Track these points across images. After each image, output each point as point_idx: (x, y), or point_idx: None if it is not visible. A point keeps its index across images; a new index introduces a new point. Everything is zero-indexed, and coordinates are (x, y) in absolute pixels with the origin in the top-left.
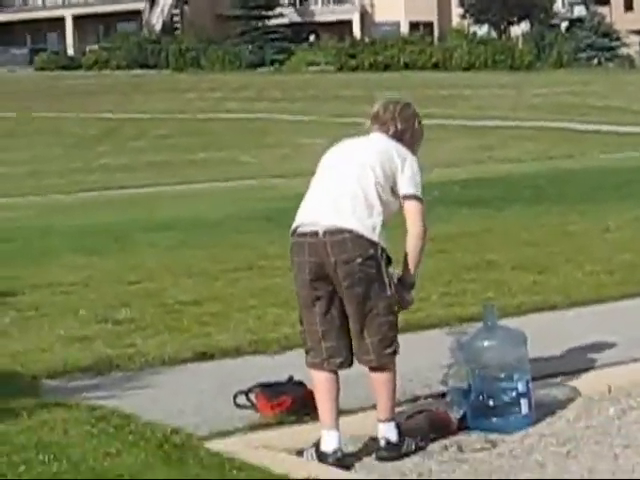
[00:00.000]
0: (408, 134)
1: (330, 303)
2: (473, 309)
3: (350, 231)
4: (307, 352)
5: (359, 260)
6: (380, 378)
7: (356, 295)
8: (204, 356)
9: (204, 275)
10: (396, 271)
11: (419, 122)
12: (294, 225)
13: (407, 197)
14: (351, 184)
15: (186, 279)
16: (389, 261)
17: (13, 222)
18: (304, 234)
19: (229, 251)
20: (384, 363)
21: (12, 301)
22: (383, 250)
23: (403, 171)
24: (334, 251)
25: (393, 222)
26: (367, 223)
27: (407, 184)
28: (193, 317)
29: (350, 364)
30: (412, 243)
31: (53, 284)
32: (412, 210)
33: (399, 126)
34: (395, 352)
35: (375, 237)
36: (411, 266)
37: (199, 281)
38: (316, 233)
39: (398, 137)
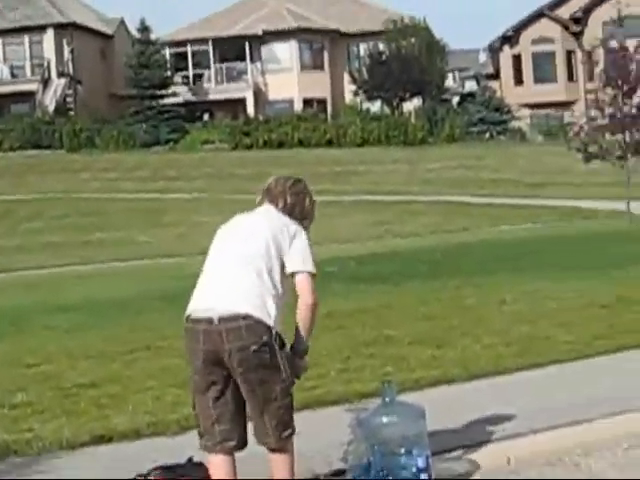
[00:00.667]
0: (297, 209)
1: (225, 388)
2: (372, 385)
3: (245, 317)
4: (201, 436)
5: (254, 347)
6: (279, 459)
7: (251, 381)
8: (102, 439)
9: (102, 357)
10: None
11: (310, 198)
12: (188, 310)
13: (297, 272)
14: (244, 267)
15: (83, 361)
16: (282, 345)
17: None
18: (198, 320)
19: (127, 332)
20: (282, 445)
21: None
22: (278, 335)
23: (291, 246)
24: (229, 338)
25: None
26: (262, 308)
27: (296, 260)
28: (91, 400)
29: (244, 446)
30: (303, 313)
31: None
32: (301, 283)
33: (289, 200)
34: (292, 434)
35: (271, 322)
36: (303, 334)
37: (97, 363)
38: (210, 320)
39: (288, 211)
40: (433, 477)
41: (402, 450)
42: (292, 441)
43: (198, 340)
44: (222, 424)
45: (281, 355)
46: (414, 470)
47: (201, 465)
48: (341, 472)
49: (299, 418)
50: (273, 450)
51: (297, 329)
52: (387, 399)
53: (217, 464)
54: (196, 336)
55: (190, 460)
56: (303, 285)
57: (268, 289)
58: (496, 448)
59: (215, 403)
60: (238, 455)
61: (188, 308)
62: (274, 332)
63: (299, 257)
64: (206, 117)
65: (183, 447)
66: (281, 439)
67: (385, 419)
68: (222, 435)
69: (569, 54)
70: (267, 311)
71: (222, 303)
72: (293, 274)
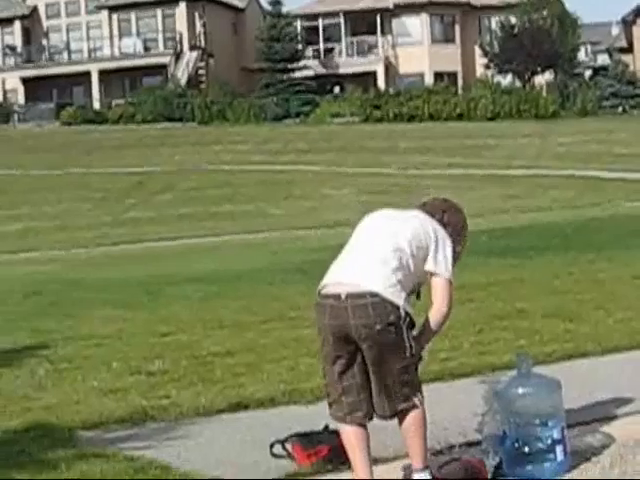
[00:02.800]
0: (451, 228)
1: (351, 361)
2: (505, 357)
3: (373, 294)
4: (330, 405)
5: (378, 327)
6: (409, 426)
7: (374, 357)
8: (238, 407)
9: (236, 326)
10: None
11: (465, 229)
12: (320, 284)
13: (437, 275)
14: (382, 250)
15: (218, 330)
16: (412, 325)
17: (44, 275)
18: (327, 296)
19: (260, 302)
20: (401, 415)
21: (46, 354)
22: (407, 314)
23: (437, 249)
24: (354, 315)
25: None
26: (392, 287)
27: (438, 261)
28: (226, 368)
29: (372, 417)
30: (434, 318)
31: (86, 337)
32: (438, 288)
33: (445, 218)
34: (414, 406)
35: (400, 301)
36: (428, 336)
37: (231, 332)
38: (338, 296)
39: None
40: (568, 449)
41: (537, 421)
42: (421, 411)
43: (325, 315)
44: (350, 396)
45: (408, 335)
46: (549, 442)
47: (336, 433)
48: (476, 443)
49: (432, 389)
50: (403, 417)
51: (423, 327)
52: (523, 370)
53: (349, 433)
54: (323, 310)
55: (326, 428)
56: (440, 290)
57: (402, 271)
58: (631, 422)
59: (342, 376)
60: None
61: (321, 282)
62: (402, 312)
63: (442, 260)
64: (337, 90)
65: (318, 415)
66: (396, 412)
67: (521, 390)
68: (350, 406)
69: None
70: (397, 291)
71: (352, 280)
72: (432, 275)
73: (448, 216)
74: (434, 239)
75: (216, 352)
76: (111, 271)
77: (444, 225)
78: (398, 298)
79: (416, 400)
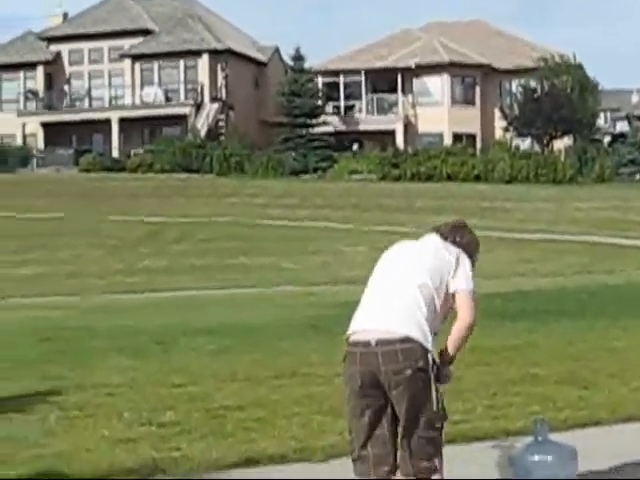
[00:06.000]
0: (465, 245)
1: (381, 412)
2: (519, 423)
3: (402, 340)
4: (354, 462)
5: (409, 372)
6: None
7: (401, 405)
8: (249, 462)
9: (248, 380)
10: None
11: (475, 239)
12: (349, 331)
13: (458, 291)
14: (406, 292)
15: (230, 384)
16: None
17: (55, 322)
18: (356, 343)
19: (272, 357)
20: (421, 477)
21: (57, 400)
22: (434, 361)
23: (457, 269)
24: (384, 361)
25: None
26: (420, 331)
27: (459, 281)
28: (237, 422)
29: (395, 473)
30: (459, 329)
31: (97, 385)
32: (462, 300)
33: (457, 239)
34: (435, 468)
35: (428, 345)
36: (451, 349)
37: (243, 386)
38: (368, 343)
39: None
40: None
41: None
42: (438, 476)
43: (355, 362)
44: (376, 448)
45: (436, 387)
46: None
47: None
48: None
49: (446, 451)
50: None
51: (448, 341)
52: (539, 438)
53: None
54: (354, 358)
55: None
56: (464, 303)
57: (428, 315)
58: None
59: (370, 426)
60: None
61: (349, 328)
62: (430, 357)
63: (462, 278)
64: (355, 147)
65: (329, 474)
66: (420, 470)
67: (537, 457)
68: (375, 459)
69: None
70: (426, 334)
71: (380, 326)
72: (454, 294)
73: (460, 236)
74: (451, 261)
75: (228, 405)
76: (123, 319)
77: (458, 245)
78: (426, 342)
79: (437, 462)
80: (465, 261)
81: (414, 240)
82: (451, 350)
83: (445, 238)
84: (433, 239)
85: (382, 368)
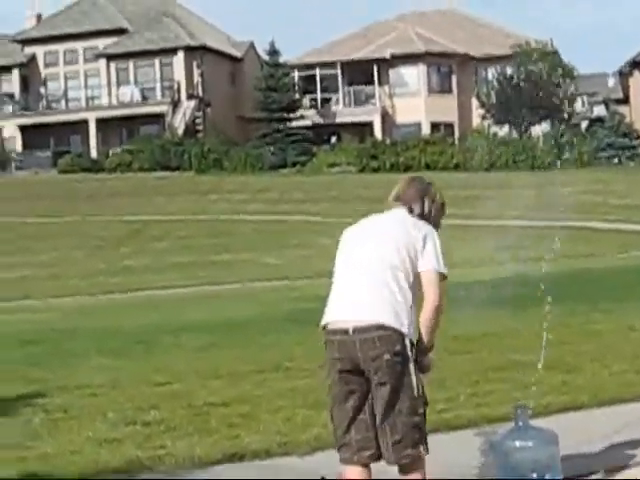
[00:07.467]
0: (432, 216)
1: (363, 397)
2: (502, 409)
3: (378, 327)
4: (338, 449)
5: (387, 356)
6: (406, 478)
7: (381, 390)
8: (234, 457)
9: (231, 376)
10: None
11: (443, 204)
12: (324, 320)
13: (425, 271)
14: (377, 274)
15: (213, 380)
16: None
17: (38, 324)
18: (334, 331)
19: (255, 352)
20: (405, 464)
21: (41, 403)
22: (412, 345)
23: (424, 248)
24: (362, 348)
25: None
26: (396, 316)
27: (427, 259)
28: (222, 418)
29: (380, 457)
30: (426, 314)
31: (81, 386)
32: (428, 281)
33: (426, 207)
34: (419, 455)
35: (404, 329)
36: (424, 335)
37: (226, 382)
38: (346, 330)
39: (421, 217)
40: None
41: (534, 475)
42: (421, 463)
43: (334, 349)
44: (359, 433)
45: (415, 371)
46: None
47: None
48: None
49: (429, 440)
50: (401, 469)
51: (419, 327)
52: (520, 423)
53: (353, 474)
54: (332, 346)
55: (323, 479)
56: (430, 284)
57: (402, 297)
58: (628, 474)
59: (353, 412)
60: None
61: (324, 318)
62: (407, 341)
63: (430, 257)
64: (333, 140)
65: (314, 467)
66: (403, 457)
67: (518, 443)
68: (358, 444)
69: None
70: (401, 320)
71: (356, 313)
72: (423, 273)
73: (428, 201)
74: (419, 238)
75: (211, 402)
76: (105, 320)
77: (425, 214)
78: (402, 326)
79: (422, 449)
80: (434, 238)
81: (377, 215)
82: (424, 336)
83: (411, 210)
84: (398, 213)
85: (360, 355)
